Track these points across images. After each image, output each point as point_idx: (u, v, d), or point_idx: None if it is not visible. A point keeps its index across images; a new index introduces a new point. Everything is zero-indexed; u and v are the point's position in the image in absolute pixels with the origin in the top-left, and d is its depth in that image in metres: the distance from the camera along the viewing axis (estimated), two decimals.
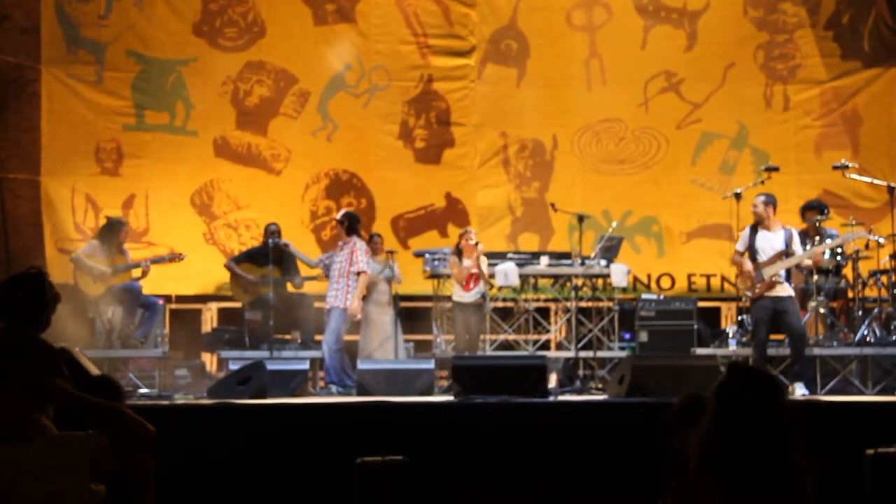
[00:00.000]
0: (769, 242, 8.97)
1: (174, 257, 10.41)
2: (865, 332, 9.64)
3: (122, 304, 9.92)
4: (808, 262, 9.24)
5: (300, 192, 12.17)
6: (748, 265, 8.94)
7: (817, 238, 9.67)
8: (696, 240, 12.30)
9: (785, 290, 8.91)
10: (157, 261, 10.31)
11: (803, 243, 9.31)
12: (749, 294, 9.03)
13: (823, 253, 9.49)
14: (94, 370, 7.14)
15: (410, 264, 11.24)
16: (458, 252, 10.33)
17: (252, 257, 10.70)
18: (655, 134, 12.39)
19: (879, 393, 9.20)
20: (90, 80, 11.79)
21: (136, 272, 10.05)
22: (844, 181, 11.11)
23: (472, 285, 10.19)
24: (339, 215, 10.36)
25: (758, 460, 3.13)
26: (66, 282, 10.32)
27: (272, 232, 10.48)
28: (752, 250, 9.00)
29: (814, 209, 10.09)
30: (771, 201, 9.04)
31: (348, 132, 12.24)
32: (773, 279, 8.86)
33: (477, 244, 10.23)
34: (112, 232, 10.11)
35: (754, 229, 9.05)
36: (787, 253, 8.90)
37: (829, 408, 7.27)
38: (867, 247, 10.08)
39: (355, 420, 6.89)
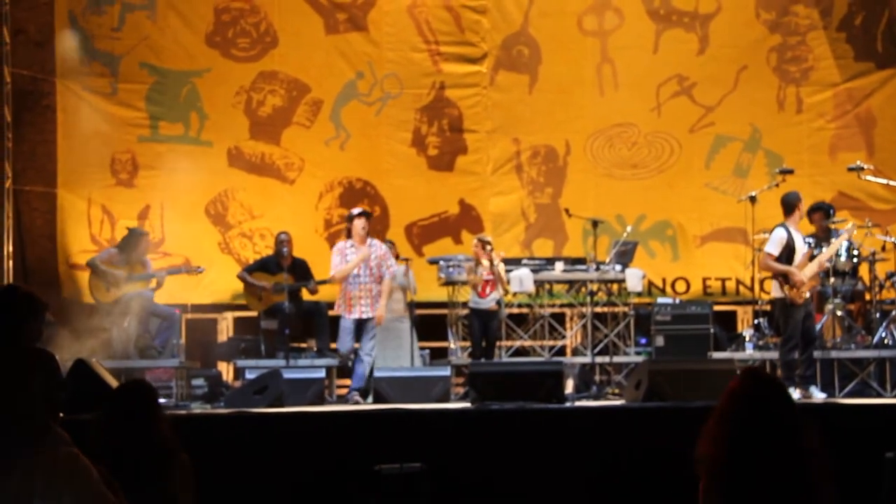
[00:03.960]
0: (802, 242, 8.75)
1: (192, 270, 10.43)
2: (883, 335, 9.59)
3: (135, 312, 9.90)
4: (827, 264, 9.12)
5: (314, 201, 12.18)
6: (799, 275, 8.43)
7: (831, 240, 9.58)
8: (711, 243, 12.27)
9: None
10: (174, 272, 10.34)
11: (817, 246, 9.25)
12: (799, 301, 8.51)
13: (833, 255, 9.34)
14: (112, 381, 7.15)
15: (425, 271, 11.24)
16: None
17: (264, 266, 10.68)
18: (668, 138, 12.36)
19: None
20: (105, 92, 11.83)
21: (152, 283, 10.07)
22: (859, 183, 11.06)
23: (488, 291, 10.14)
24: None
25: (770, 467, 3.10)
26: (78, 296, 10.40)
27: (282, 241, 10.47)
28: (790, 252, 8.58)
29: (820, 210, 10.01)
30: None
31: (361, 140, 12.26)
32: (811, 280, 8.63)
33: (491, 250, 10.12)
34: (132, 242, 10.11)
35: (787, 229, 8.65)
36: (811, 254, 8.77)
37: (848, 410, 7.25)
38: (884, 248, 10.04)
39: (373, 428, 6.90)
